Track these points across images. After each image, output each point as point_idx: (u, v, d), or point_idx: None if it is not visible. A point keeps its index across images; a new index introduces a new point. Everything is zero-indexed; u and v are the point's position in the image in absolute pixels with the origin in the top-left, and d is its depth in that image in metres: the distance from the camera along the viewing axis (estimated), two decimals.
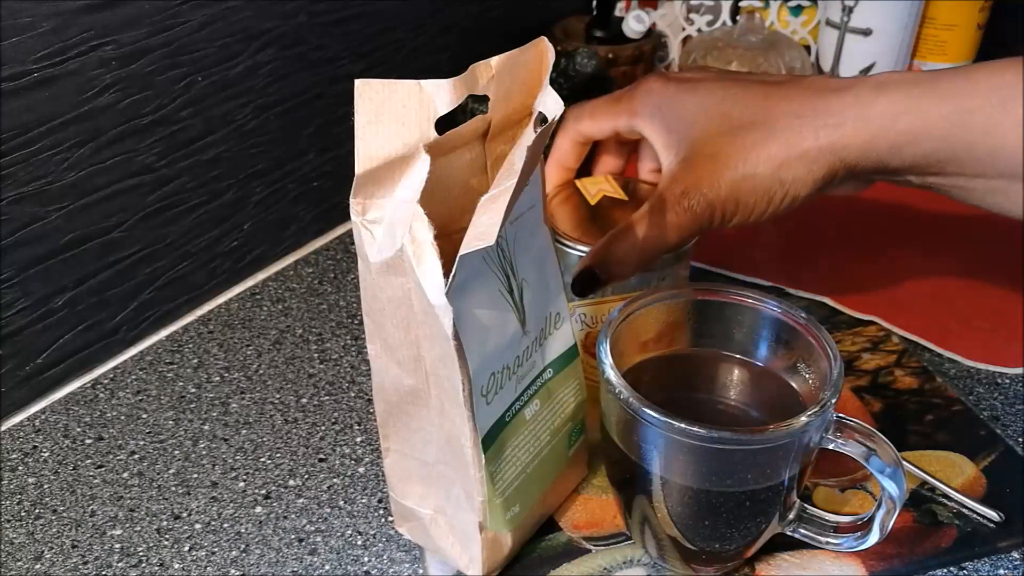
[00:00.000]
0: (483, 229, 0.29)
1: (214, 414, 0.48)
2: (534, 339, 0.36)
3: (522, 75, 0.32)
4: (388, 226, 0.31)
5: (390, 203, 0.31)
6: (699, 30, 0.79)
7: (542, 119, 0.32)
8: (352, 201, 0.31)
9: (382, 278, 0.32)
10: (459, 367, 0.31)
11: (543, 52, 0.32)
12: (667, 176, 0.41)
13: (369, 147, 0.30)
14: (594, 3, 0.78)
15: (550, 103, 0.31)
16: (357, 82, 0.30)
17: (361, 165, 0.30)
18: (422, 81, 0.30)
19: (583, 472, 0.43)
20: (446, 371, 0.32)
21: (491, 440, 0.34)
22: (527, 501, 0.37)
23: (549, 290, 0.37)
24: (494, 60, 0.31)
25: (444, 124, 0.31)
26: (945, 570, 0.38)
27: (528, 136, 0.30)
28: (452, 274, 0.29)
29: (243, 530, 0.41)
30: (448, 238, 0.30)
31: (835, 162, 0.39)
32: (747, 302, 0.38)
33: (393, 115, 0.30)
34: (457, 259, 0.29)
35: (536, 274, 0.36)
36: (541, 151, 0.32)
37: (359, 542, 0.40)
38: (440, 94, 0.30)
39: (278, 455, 0.45)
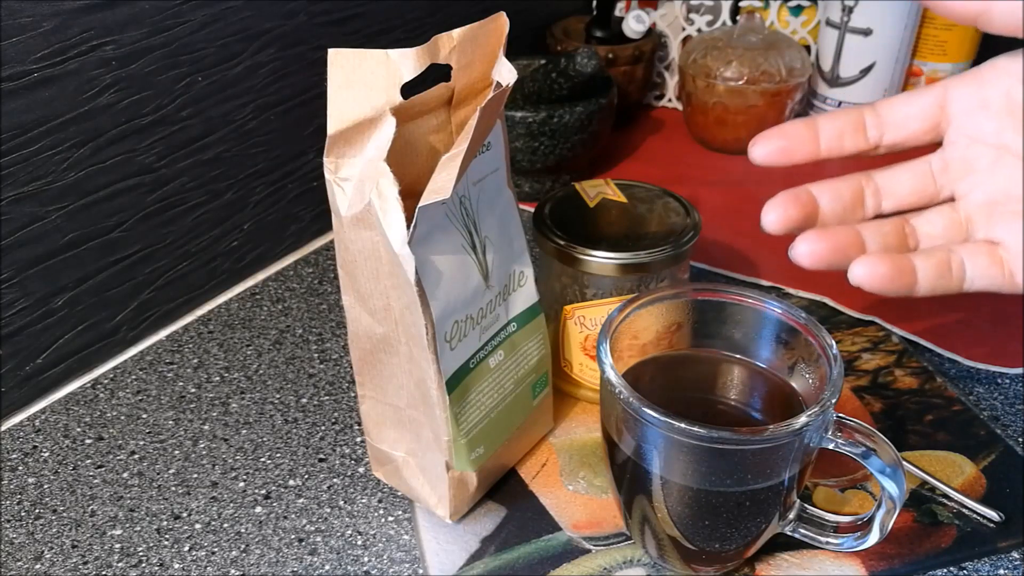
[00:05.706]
0: (440, 184, 0.32)
1: (214, 414, 0.48)
2: (497, 293, 0.39)
3: (483, 47, 0.34)
4: (358, 183, 0.33)
5: (360, 162, 0.33)
6: (699, 30, 0.79)
7: (498, 87, 0.34)
8: (325, 160, 0.33)
9: (353, 231, 0.34)
10: (422, 312, 0.34)
11: (501, 26, 0.34)
12: None
13: (340, 110, 0.32)
14: (594, 3, 0.78)
15: (504, 72, 0.34)
16: (330, 51, 0.32)
17: (333, 126, 0.32)
18: (389, 51, 0.32)
19: (549, 423, 0.45)
20: (412, 318, 0.35)
21: (455, 383, 0.37)
22: (491, 444, 0.40)
23: (513, 249, 0.40)
24: (455, 32, 0.33)
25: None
26: (945, 570, 0.38)
27: (484, 99, 0.33)
28: (413, 224, 0.32)
29: (243, 530, 0.41)
30: (415, 198, 0.32)
31: None
32: (747, 302, 0.38)
33: (362, 81, 0.32)
34: (417, 210, 0.32)
35: (499, 233, 0.39)
36: (496, 113, 0.34)
37: (359, 542, 0.40)
38: (406, 62, 0.32)
39: (278, 455, 0.45)
